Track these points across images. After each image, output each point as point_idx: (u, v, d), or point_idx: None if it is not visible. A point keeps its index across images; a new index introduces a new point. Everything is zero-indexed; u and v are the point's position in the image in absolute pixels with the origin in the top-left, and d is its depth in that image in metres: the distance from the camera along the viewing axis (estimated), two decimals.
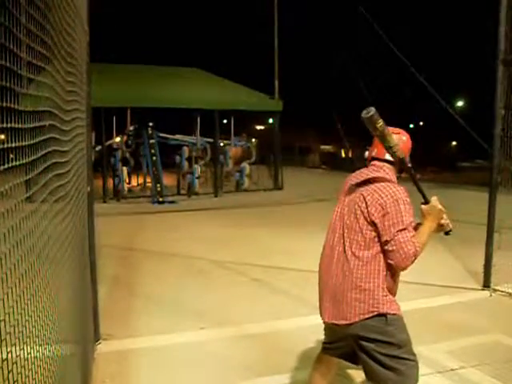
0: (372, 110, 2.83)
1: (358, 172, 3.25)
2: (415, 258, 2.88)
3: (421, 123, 48.30)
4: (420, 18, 34.09)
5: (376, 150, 3.19)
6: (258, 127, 38.95)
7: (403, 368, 2.95)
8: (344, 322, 3.01)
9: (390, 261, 2.92)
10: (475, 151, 27.72)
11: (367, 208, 2.96)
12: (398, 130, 3.23)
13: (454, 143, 47.59)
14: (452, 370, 4.38)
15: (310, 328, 4.93)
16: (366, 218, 2.96)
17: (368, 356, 2.99)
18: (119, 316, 5.72)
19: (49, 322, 2.12)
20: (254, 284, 7.06)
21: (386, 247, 2.90)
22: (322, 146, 46.22)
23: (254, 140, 22.94)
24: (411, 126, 46.37)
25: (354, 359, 3.21)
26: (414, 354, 3.02)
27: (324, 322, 3.24)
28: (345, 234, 3.06)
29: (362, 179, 3.13)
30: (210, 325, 5.49)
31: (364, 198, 3.00)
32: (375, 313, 2.93)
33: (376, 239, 2.95)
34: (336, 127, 28.92)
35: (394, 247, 2.86)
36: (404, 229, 2.86)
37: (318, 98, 38.58)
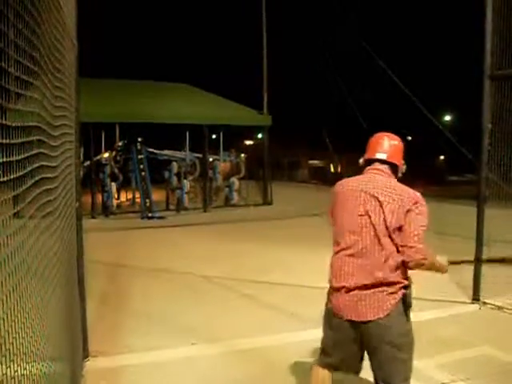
0: None
1: (360, 177, 3.29)
2: (422, 260, 3.02)
3: (409, 138, 48.64)
4: (408, 32, 34.42)
5: (373, 152, 3.27)
6: (248, 142, 38.98)
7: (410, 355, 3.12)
8: (370, 318, 3.06)
9: (404, 255, 3.02)
10: (464, 165, 27.90)
11: (398, 212, 3.03)
12: (390, 134, 3.34)
13: (442, 157, 47.88)
14: (442, 383, 4.38)
15: (300, 343, 4.91)
16: (394, 223, 3.03)
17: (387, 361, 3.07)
18: (108, 332, 5.66)
19: (37, 338, 2.09)
20: (244, 299, 7.03)
21: (406, 243, 3.00)
22: (311, 161, 46.29)
23: (242, 155, 22.94)
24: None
25: (357, 363, 3.27)
26: None
27: (340, 320, 3.22)
28: (366, 235, 3.10)
29: (372, 182, 3.18)
30: (199, 340, 5.45)
31: (384, 201, 3.07)
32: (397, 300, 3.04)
33: (397, 236, 3.03)
34: (325, 142, 29.05)
35: (410, 248, 2.99)
36: (421, 233, 3.00)
37: (307, 113, 38.80)
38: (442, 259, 3.28)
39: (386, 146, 3.25)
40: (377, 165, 3.24)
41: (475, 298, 6.74)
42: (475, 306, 6.63)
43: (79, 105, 4.81)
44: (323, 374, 3.38)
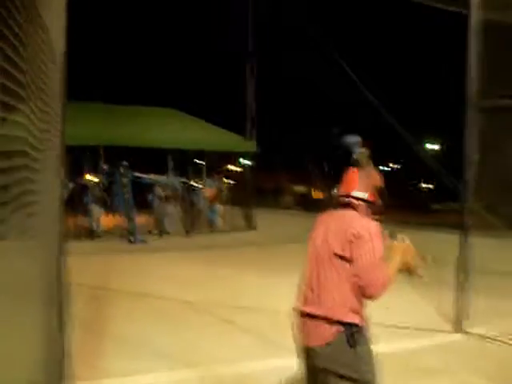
0: (361, 153, 3.17)
1: (331, 211, 3.29)
2: (384, 289, 2.93)
3: (393, 166, 49.03)
4: (393, 59, 34.88)
5: (347, 186, 3.24)
6: (232, 167, 39.08)
7: None
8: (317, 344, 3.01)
9: (360, 291, 2.96)
10: (448, 194, 28.13)
11: (339, 239, 3.02)
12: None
13: (426, 186, 48.25)
14: None
15: (279, 369, 4.87)
16: (336, 250, 3.01)
17: None
18: (88, 357, 5.57)
19: (15, 362, 2.06)
20: (224, 324, 6.99)
21: (357, 280, 2.94)
22: (296, 187, 46.44)
23: (226, 180, 22.97)
24: (384, 168, 47.04)
25: None
26: None
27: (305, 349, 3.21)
28: (319, 267, 3.09)
29: (336, 216, 3.20)
30: (179, 366, 5.41)
31: (336, 230, 3.07)
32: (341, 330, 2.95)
33: (347, 268, 2.98)
34: (308, 169, 29.21)
35: (364, 281, 2.91)
36: (375, 263, 2.91)
37: (290, 140, 39.06)
38: (401, 237, 3.20)
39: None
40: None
41: (457, 327, 6.74)
42: (457, 335, 6.63)
43: (64, 128, 4.80)
44: None
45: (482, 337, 6.50)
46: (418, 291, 8.54)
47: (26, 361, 2.43)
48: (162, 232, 17.77)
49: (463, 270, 6.79)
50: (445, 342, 6.45)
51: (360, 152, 3.20)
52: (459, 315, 6.76)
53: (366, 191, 3.17)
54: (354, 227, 2.99)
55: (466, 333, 6.64)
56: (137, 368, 5.32)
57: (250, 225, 19.71)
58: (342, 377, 2.96)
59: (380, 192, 3.26)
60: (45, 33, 2.93)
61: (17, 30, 2.02)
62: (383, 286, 2.92)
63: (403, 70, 35.14)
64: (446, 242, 11.21)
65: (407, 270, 3.24)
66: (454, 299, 6.82)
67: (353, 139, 3.18)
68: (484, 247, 7.04)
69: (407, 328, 6.90)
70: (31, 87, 2.43)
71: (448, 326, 6.87)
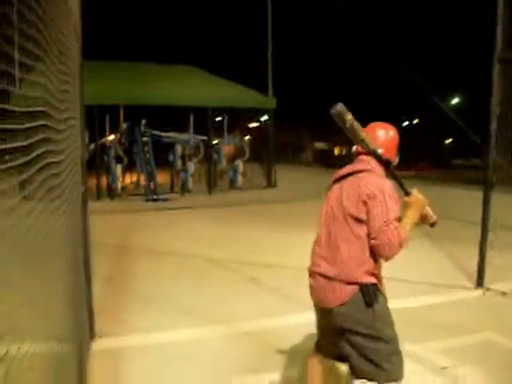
0: (339, 105, 2.99)
1: (344, 167, 3.24)
2: (401, 249, 2.89)
3: (415, 121, 48.40)
4: (415, 12, 34.06)
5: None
6: (252, 125, 38.92)
7: (389, 365, 2.98)
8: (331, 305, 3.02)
9: (376, 252, 2.93)
10: (470, 149, 27.78)
11: (353, 200, 2.98)
12: (384, 124, 3.25)
13: (448, 141, 47.62)
14: (443, 368, 4.40)
15: (302, 326, 4.94)
16: (351, 212, 2.98)
17: (357, 351, 3.00)
18: (113, 313, 5.72)
19: (45, 318, 2.13)
20: (247, 282, 7.07)
21: (372, 241, 2.91)
22: (316, 144, 46.22)
23: (247, 137, 22.91)
24: (406, 123, 46.44)
25: (343, 357, 3.17)
26: (400, 351, 3.05)
27: (316, 309, 3.24)
28: (334, 227, 3.07)
29: (348, 172, 3.15)
30: (202, 322, 5.50)
31: (350, 191, 3.02)
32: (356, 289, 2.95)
33: (362, 229, 2.96)
34: (330, 124, 28.97)
35: (380, 241, 2.87)
36: (390, 223, 2.86)
37: (311, 95, 38.65)
38: (416, 192, 3.15)
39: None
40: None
41: (479, 283, 6.74)
42: (479, 292, 6.63)
43: (83, 88, 4.81)
44: (316, 362, 3.39)
45: (503, 293, 6.50)
46: (439, 247, 8.55)
47: (56, 318, 2.50)
48: (183, 190, 17.89)
49: (485, 226, 6.75)
50: (465, 297, 6.45)
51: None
52: (480, 271, 6.75)
53: (381, 148, 3.12)
54: (367, 187, 2.94)
55: (487, 289, 6.63)
56: (162, 324, 5.43)
57: (270, 182, 19.74)
58: (362, 335, 2.96)
59: (396, 150, 3.22)
60: None
61: None
62: (400, 246, 2.86)
63: (425, 21, 34.34)
64: (468, 198, 11.14)
65: (424, 222, 3.21)
66: (476, 255, 6.79)
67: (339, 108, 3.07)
68: (508, 203, 6.97)
69: (428, 283, 6.93)
70: (49, 47, 2.43)
71: (468, 283, 6.87)
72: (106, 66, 18.30)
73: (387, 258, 2.93)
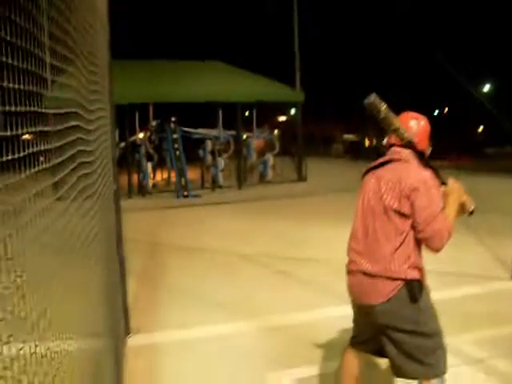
0: (373, 95, 2.99)
1: (378, 160, 3.17)
2: (450, 239, 2.85)
3: (446, 109, 47.74)
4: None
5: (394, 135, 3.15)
6: (281, 118, 38.85)
7: (434, 360, 2.94)
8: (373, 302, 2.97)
9: (425, 244, 2.89)
10: (503, 137, 27.26)
11: (395, 195, 2.91)
12: (415, 114, 3.20)
13: (480, 129, 46.79)
14: (480, 360, 4.34)
15: (335, 319, 4.93)
16: (394, 206, 2.90)
17: (398, 348, 2.97)
18: (148, 310, 5.79)
19: (82, 315, 2.16)
20: (279, 276, 7.08)
21: (419, 234, 2.86)
22: (346, 135, 45.88)
23: (276, 131, 22.87)
24: (436, 112, 45.81)
25: (382, 352, 3.14)
26: (444, 345, 3.00)
27: (354, 305, 3.21)
28: (373, 221, 3.00)
29: (382, 162, 3.10)
30: (237, 317, 5.52)
31: (390, 185, 2.95)
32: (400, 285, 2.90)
33: (406, 223, 2.90)
34: (360, 116, 28.73)
35: (428, 233, 2.82)
36: (435, 213, 2.82)
37: (339, 87, 38.38)
38: (452, 180, 3.10)
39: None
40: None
41: None
42: None
43: (112, 87, 4.87)
44: (352, 357, 3.35)
45: None
46: (475, 238, 8.42)
47: (91, 315, 2.54)
48: (214, 186, 17.96)
49: None
50: (502, 288, 6.34)
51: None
52: None
53: (415, 138, 3.07)
54: (408, 180, 2.88)
55: None
56: (195, 320, 5.47)
57: (300, 175, 19.68)
58: (405, 332, 2.91)
59: (428, 140, 3.17)
60: None
61: None
62: (448, 235, 2.82)
63: (457, 7, 33.77)
64: (503, 188, 10.95)
65: (462, 211, 3.15)
66: None
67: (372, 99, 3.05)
68: None
69: (464, 275, 6.84)
70: (79, 49, 2.46)
71: (506, 274, 6.76)
72: (134, 65, 18.43)
73: (437, 250, 2.87)
